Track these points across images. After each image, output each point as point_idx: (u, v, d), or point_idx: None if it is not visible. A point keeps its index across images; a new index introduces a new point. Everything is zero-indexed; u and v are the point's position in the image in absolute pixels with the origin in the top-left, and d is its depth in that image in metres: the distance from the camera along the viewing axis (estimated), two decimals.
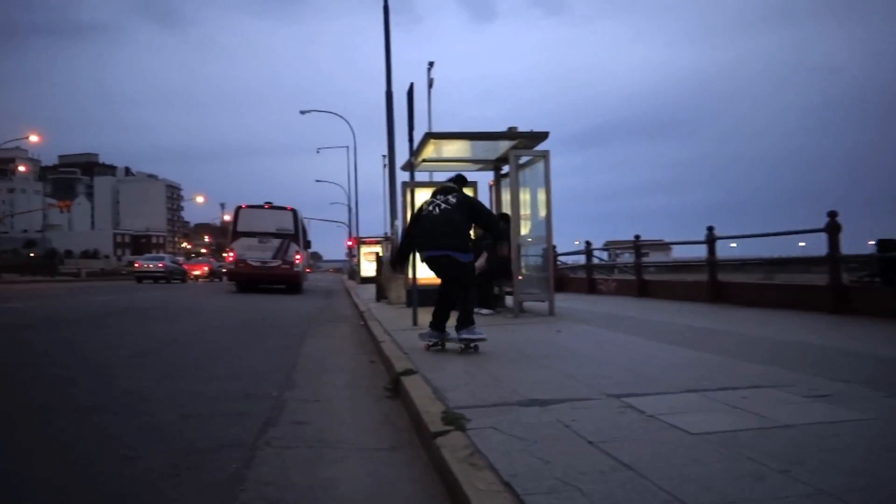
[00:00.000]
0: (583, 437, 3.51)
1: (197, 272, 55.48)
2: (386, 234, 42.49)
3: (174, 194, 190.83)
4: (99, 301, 18.83)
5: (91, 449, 3.80)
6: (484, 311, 11.23)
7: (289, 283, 26.42)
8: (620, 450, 3.30)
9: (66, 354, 7.51)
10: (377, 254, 24.59)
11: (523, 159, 11.17)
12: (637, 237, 17.13)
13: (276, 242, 26.07)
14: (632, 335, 7.87)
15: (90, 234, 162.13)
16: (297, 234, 26.43)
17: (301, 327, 11.03)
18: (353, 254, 56.85)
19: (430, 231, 6.94)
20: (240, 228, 26.22)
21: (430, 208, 7.07)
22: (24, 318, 12.30)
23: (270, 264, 25.99)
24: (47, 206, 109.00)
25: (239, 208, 26.83)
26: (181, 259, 58.83)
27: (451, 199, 7.05)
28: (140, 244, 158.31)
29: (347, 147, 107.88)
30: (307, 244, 31.09)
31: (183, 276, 46.66)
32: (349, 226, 66.46)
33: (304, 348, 8.32)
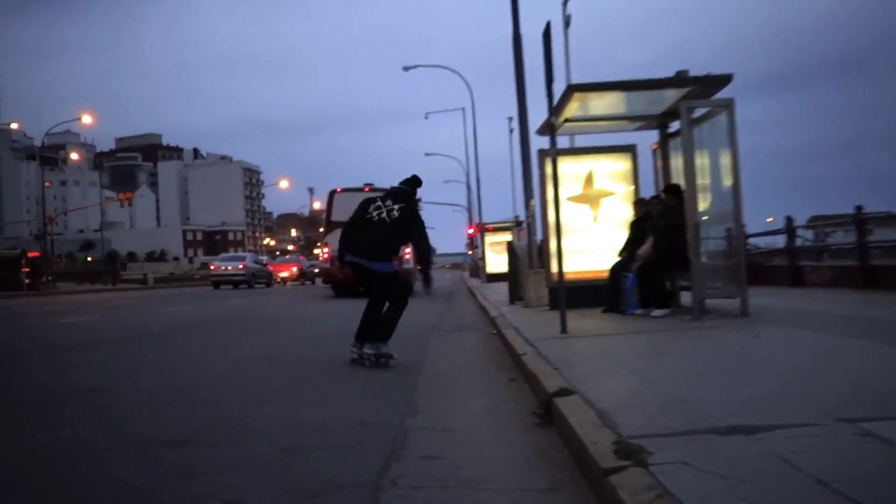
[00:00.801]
0: (809, 475, 3.37)
1: (284, 274, 57.62)
2: (517, 218, 42.27)
3: (253, 179, 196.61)
4: (171, 312, 19.93)
5: (183, 492, 4.00)
6: (656, 312, 11.04)
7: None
8: (864, 491, 3.14)
9: (140, 377, 7.97)
10: (508, 243, 24.50)
11: (697, 112, 10.88)
12: (859, 208, 16.34)
13: None
14: (859, 340, 7.51)
15: (155, 231, 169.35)
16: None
17: (419, 338, 11.24)
18: (474, 245, 56.95)
19: (370, 242, 8.45)
20: (335, 218, 27.15)
21: (375, 214, 8.53)
22: (88, 335, 13.17)
23: None
24: (105, 200, 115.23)
25: (333, 193, 27.99)
26: (265, 258, 61.24)
27: (395, 213, 8.51)
28: (214, 242, 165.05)
29: (463, 109, 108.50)
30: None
31: (268, 278, 48.63)
32: (469, 209, 66.61)
33: (426, 365, 8.48)
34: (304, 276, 58.42)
